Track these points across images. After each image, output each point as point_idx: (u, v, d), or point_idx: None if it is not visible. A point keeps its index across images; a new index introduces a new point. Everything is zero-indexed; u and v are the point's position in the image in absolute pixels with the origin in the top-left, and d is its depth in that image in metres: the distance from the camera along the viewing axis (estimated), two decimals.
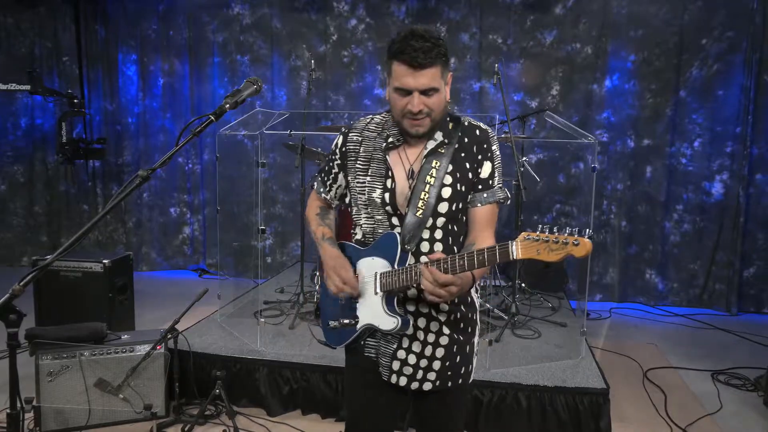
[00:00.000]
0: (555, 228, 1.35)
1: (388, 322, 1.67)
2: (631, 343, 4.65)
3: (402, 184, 1.70)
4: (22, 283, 1.38)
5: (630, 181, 5.73)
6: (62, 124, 6.13)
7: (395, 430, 1.96)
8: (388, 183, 1.70)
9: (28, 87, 5.91)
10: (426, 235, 1.69)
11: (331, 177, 1.87)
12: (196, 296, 3.27)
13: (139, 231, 6.79)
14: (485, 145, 1.72)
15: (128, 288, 4.25)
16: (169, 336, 3.23)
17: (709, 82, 5.46)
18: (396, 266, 1.65)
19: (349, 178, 1.80)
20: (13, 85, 5.91)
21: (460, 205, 1.70)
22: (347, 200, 1.88)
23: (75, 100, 6.18)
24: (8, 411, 1.59)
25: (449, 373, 1.75)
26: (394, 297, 1.69)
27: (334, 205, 1.96)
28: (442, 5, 5.88)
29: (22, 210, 6.87)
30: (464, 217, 1.75)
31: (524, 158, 4.50)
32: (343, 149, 1.80)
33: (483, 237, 1.71)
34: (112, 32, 6.59)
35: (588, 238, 1.33)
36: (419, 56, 1.53)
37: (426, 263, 1.55)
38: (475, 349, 1.84)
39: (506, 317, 4.20)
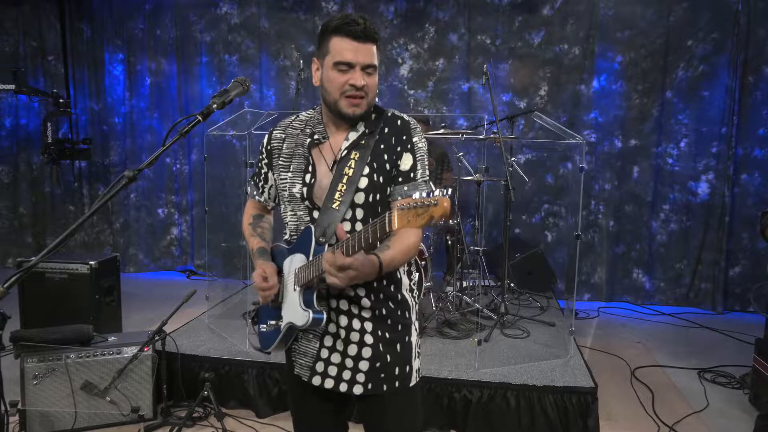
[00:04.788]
0: (425, 193, 1.31)
1: (301, 317, 1.61)
2: (619, 342, 4.68)
3: (322, 177, 1.67)
4: (6, 285, 1.36)
5: (617, 181, 5.77)
6: (47, 124, 6.07)
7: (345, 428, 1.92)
8: (307, 178, 1.68)
9: (12, 86, 5.83)
10: (347, 227, 1.62)
11: (261, 178, 1.85)
12: (184, 297, 3.24)
13: (126, 232, 6.74)
14: (405, 137, 1.68)
15: (115, 289, 4.21)
16: (157, 338, 3.20)
17: (694, 83, 5.52)
18: (311, 259, 1.60)
19: (275, 176, 1.79)
20: None
21: (377, 197, 1.65)
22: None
23: (60, 100, 6.12)
24: None
25: (382, 375, 1.67)
26: (313, 292, 1.61)
27: (270, 208, 1.93)
28: (431, 6, 5.89)
29: (7, 211, 6.79)
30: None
31: (513, 158, 4.52)
32: (269, 147, 1.79)
33: (402, 230, 1.54)
34: (98, 31, 6.53)
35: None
36: (363, 29, 1.56)
37: (330, 248, 1.52)
38: (414, 351, 1.74)
39: (495, 317, 4.22)
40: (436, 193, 1.27)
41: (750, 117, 5.48)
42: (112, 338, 3.27)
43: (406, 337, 1.72)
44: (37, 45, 6.57)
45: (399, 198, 1.65)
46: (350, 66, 1.58)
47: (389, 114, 1.72)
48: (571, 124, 5.59)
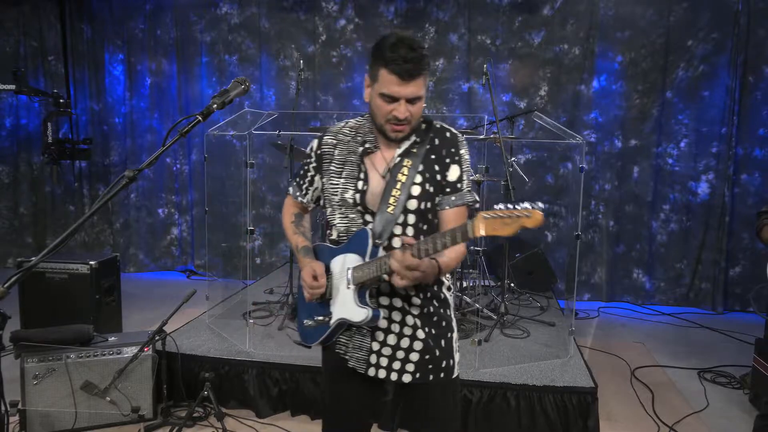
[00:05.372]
0: (510, 205, 1.39)
1: (358, 314, 1.70)
2: (619, 342, 4.68)
3: (375, 184, 1.75)
4: (6, 285, 1.36)
5: (617, 181, 5.77)
6: (48, 124, 6.07)
7: (374, 422, 2.00)
8: (360, 185, 1.76)
9: (12, 86, 5.83)
10: (398, 231, 1.73)
11: (306, 180, 1.91)
12: (184, 297, 3.25)
13: (127, 232, 6.74)
14: (453, 149, 1.77)
15: (115, 289, 4.21)
16: (157, 338, 3.20)
17: (694, 83, 5.51)
18: (367, 260, 1.69)
19: (324, 180, 1.85)
20: None
21: (428, 205, 1.75)
22: (321, 203, 1.92)
23: (61, 100, 6.11)
24: None
25: (430, 366, 1.79)
26: (366, 290, 1.72)
27: (310, 209, 2.00)
28: (431, 6, 5.89)
29: (7, 211, 6.79)
30: (435, 219, 1.79)
31: (513, 159, 4.51)
32: (319, 152, 1.85)
33: None
34: (98, 31, 6.54)
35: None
36: (411, 68, 1.59)
37: (398, 248, 1.60)
38: (455, 345, 1.87)
39: (495, 317, 4.22)
40: (525, 204, 1.37)
41: (750, 117, 5.48)
42: (112, 338, 3.27)
43: (449, 333, 1.84)
44: (37, 45, 6.57)
45: (447, 207, 1.77)
46: (395, 99, 1.63)
47: (437, 126, 1.80)
48: (571, 124, 5.59)
